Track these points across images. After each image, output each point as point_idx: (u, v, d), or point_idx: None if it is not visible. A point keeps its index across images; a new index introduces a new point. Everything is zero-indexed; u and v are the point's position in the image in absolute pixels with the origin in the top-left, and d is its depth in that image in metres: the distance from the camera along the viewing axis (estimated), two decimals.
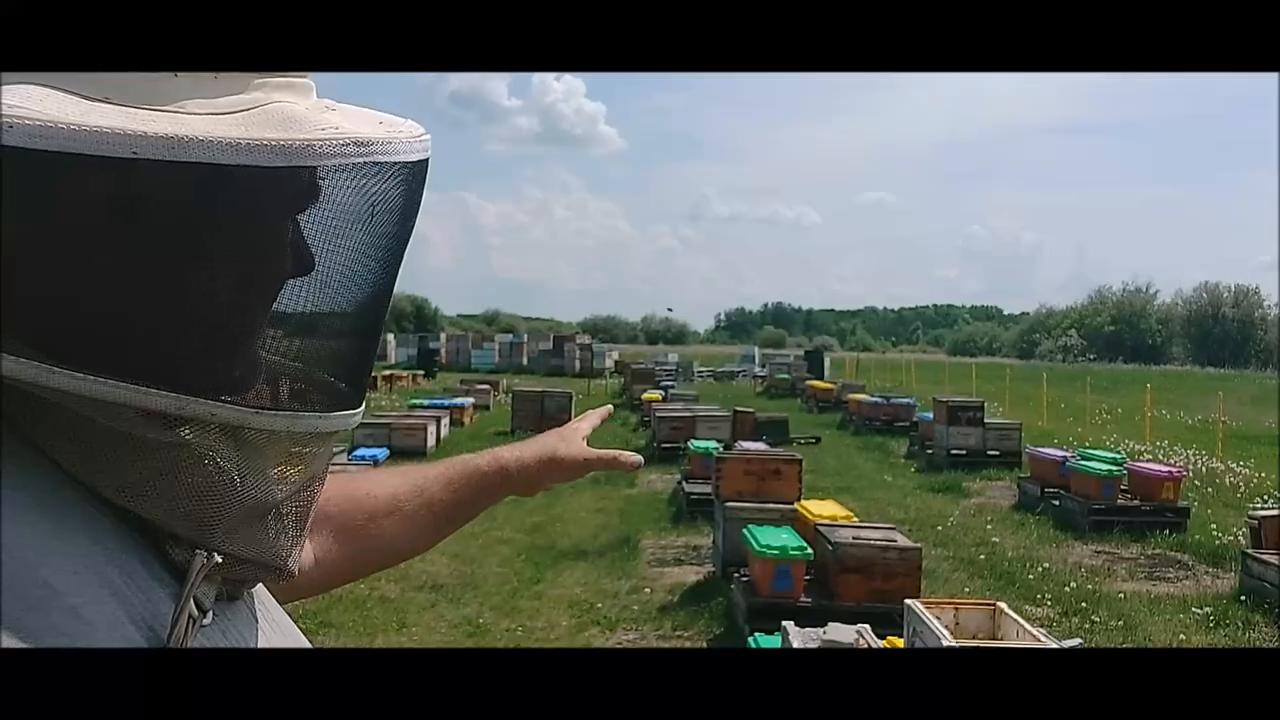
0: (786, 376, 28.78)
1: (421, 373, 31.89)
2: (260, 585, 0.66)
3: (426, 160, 0.59)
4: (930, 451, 13.78)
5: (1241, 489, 11.98)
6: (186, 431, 0.53)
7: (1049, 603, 6.98)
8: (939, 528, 9.38)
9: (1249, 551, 7.36)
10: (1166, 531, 9.11)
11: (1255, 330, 75.30)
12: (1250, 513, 8.21)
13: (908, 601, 4.42)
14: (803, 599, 5.77)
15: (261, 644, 0.62)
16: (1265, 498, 10.86)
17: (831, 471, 12.81)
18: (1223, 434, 15.97)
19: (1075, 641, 5.20)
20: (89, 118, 0.47)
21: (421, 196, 0.60)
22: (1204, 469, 13.53)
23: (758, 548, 5.84)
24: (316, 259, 0.56)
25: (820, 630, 4.29)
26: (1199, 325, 77.31)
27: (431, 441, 14.17)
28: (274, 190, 0.52)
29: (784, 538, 6.00)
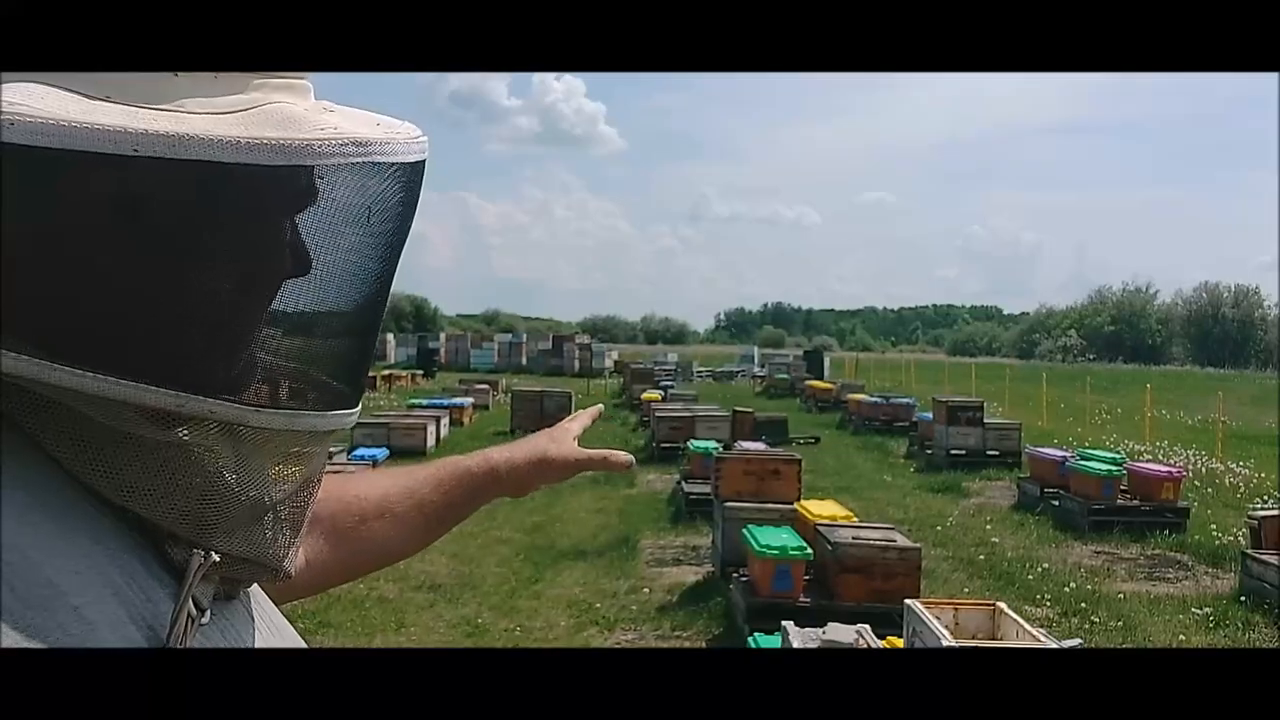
0: (786, 376, 28.78)
1: (421, 372, 31.90)
2: (256, 585, 0.66)
3: (424, 161, 0.60)
4: (930, 451, 13.78)
5: (1241, 489, 11.98)
6: (185, 431, 0.53)
7: (1048, 603, 6.98)
8: (938, 528, 9.38)
9: (1249, 552, 7.36)
10: (1166, 532, 9.11)
11: (1255, 330, 75.31)
12: (1250, 513, 8.21)
13: (907, 601, 4.42)
14: (802, 599, 5.76)
15: (258, 644, 0.62)
16: (1265, 498, 10.87)
17: (831, 471, 12.81)
18: (1222, 434, 15.98)
19: (1075, 641, 5.20)
20: (91, 115, 0.48)
21: (419, 197, 0.61)
22: (1204, 469, 13.53)
23: (757, 548, 5.84)
24: (314, 259, 0.57)
25: (820, 630, 4.29)
26: (1199, 325, 77.32)
27: (431, 441, 14.17)
28: (273, 189, 0.53)
29: (783, 538, 6.00)
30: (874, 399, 19.10)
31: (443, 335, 48.29)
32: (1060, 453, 10.90)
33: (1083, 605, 6.90)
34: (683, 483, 10.08)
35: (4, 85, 0.47)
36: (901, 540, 6.00)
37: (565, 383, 25.51)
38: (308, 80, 0.58)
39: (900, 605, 4.55)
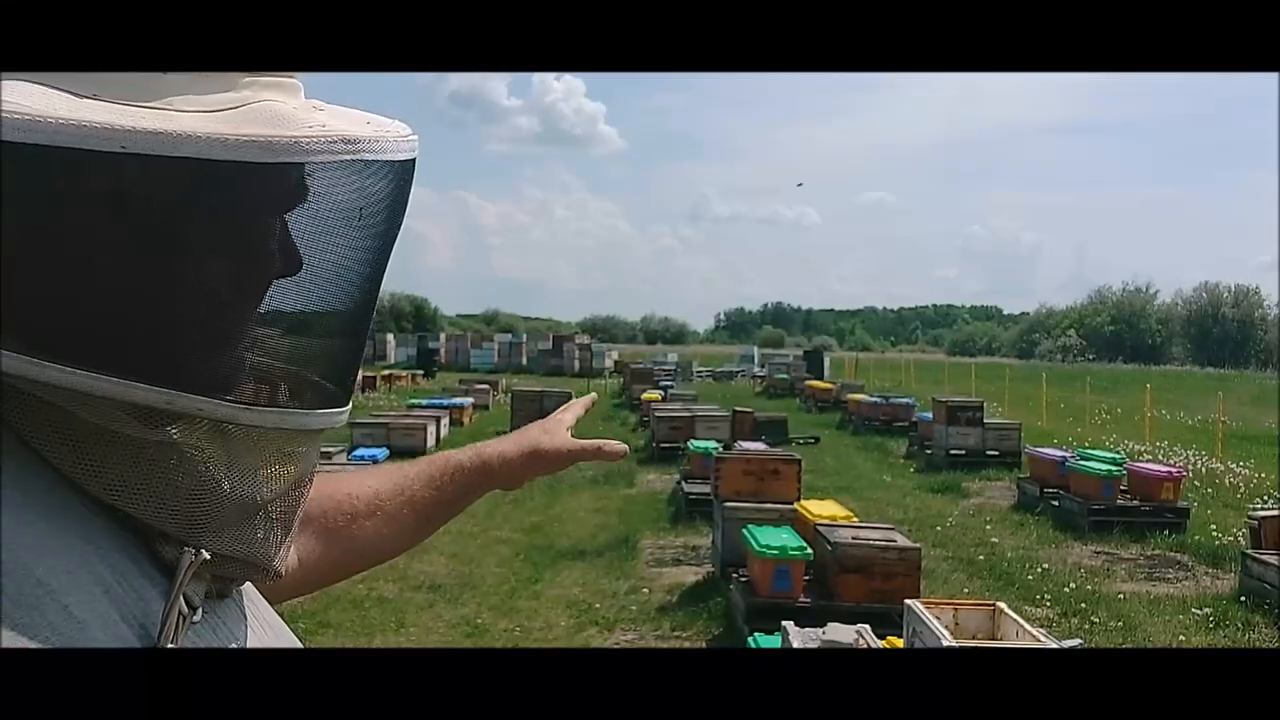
0: (786, 376, 28.79)
1: (421, 373, 31.92)
2: (250, 584, 0.66)
3: (414, 160, 0.60)
4: (929, 451, 13.78)
5: (1241, 489, 11.99)
6: (175, 429, 0.53)
7: (1048, 603, 6.98)
8: (938, 528, 9.38)
9: (1249, 552, 7.36)
10: (1166, 532, 9.11)
11: (1255, 330, 75.35)
12: (1250, 513, 8.21)
13: (907, 602, 4.42)
14: (802, 599, 5.77)
15: (252, 642, 0.62)
16: (1265, 498, 10.87)
17: (831, 471, 12.81)
18: (1222, 434, 15.99)
19: (1075, 642, 5.20)
20: (77, 113, 0.48)
21: (408, 196, 0.61)
22: (1204, 469, 13.54)
23: (757, 548, 5.84)
24: (304, 258, 0.57)
25: (820, 630, 4.29)
26: (1199, 325, 77.36)
27: (431, 441, 14.17)
28: (262, 187, 0.53)
29: (783, 538, 6.00)
30: (874, 399, 19.10)
31: (443, 335, 48.29)
32: (1060, 453, 10.91)
33: (1083, 605, 6.90)
34: (683, 483, 10.08)
35: None
36: (901, 540, 6.00)
37: (565, 383, 25.52)
38: (297, 80, 0.58)
39: (900, 605, 4.55)
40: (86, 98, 0.49)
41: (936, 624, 4.02)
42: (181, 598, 0.53)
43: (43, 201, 0.48)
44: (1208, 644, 6.19)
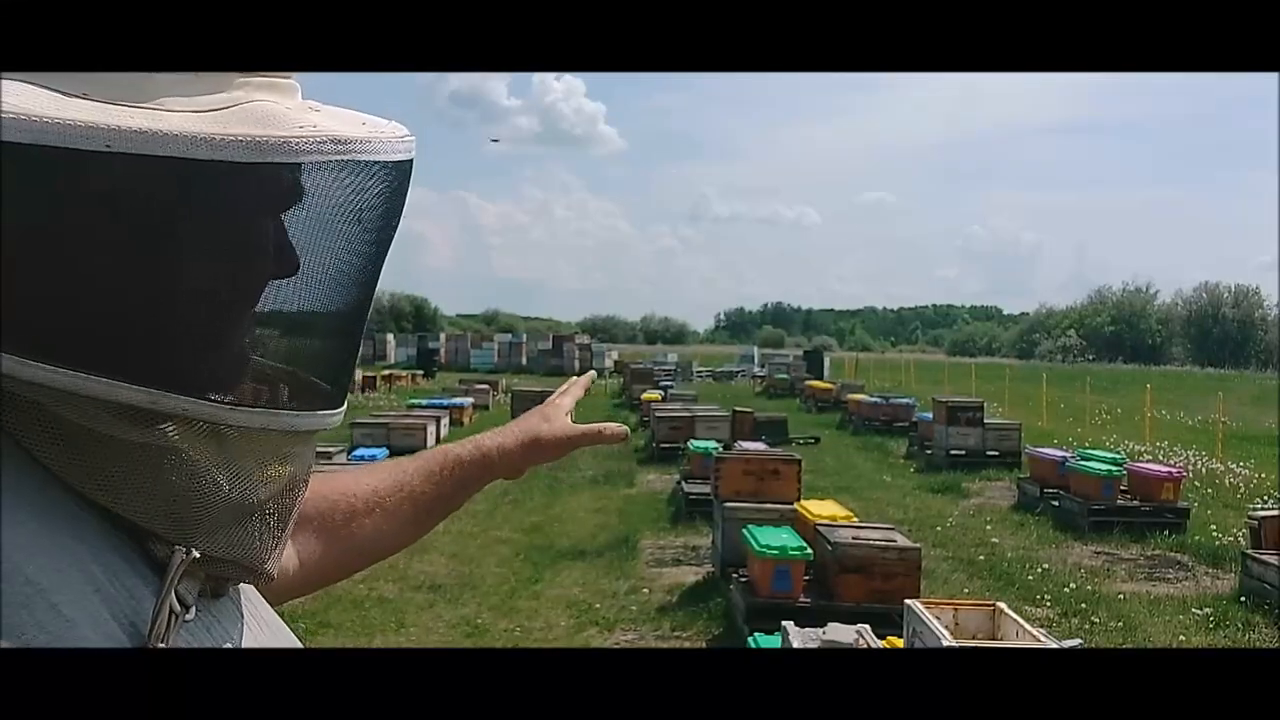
0: (786, 376, 28.79)
1: (421, 372, 31.93)
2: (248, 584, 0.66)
3: (409, 161, 0.59)
4: (930, 452, 13.78)
5: (1241, 490, 11.99)
6: (164, 430, 0.53)
7: (1048, 603, 6.98)
8: (938, 528, 9.38)
9: (1249, 552, 7.36)
10: (1166, 532, 9.11)
11: (1255, 330, 75.34)
12: (1250, 513, 8.21)
13: (907, 602, 4.42)
14: (802, 599, 5.76)
15: (248, 641, 0.62)
16: (1265, 498, 10.86)
17: (831, 471, 12.81)
18: (1222, 434, 15.98)
19: (1075, 642, 5.20)
20: (63, 112, 0.47)
21: (405, 198, 0.60)
22: (1204, 470, 13.54)
23: (757, 548, 5.84)
24: (300, 259, 0.56)
25: (820, 630, 4.29)
26: (1199, 325, 77.35)
27: (431, 441, 14.17)
28: (250, 187, 0.52)
29: (783, 538, 6.00)
30: (874, 399, 19.10)
31: (443, 335, 48.30)
32: (1060, 453, 10.91)
33: (1083, 605, 6.90)
34: (683, 483, 10.08)
35: None
36: (901, 540, 6.00)
37: (565, 382, 25.45)
38: (294, 80, 0.58)
39: (900, 605, 4.55)
40: (76, 97, 0.49)
41: (936, 624, 4.02)
42: (174, 597, 0.53)
43: (27, 201, 0.48)
44: (1208, 644, 6.19)
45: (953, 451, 13.18)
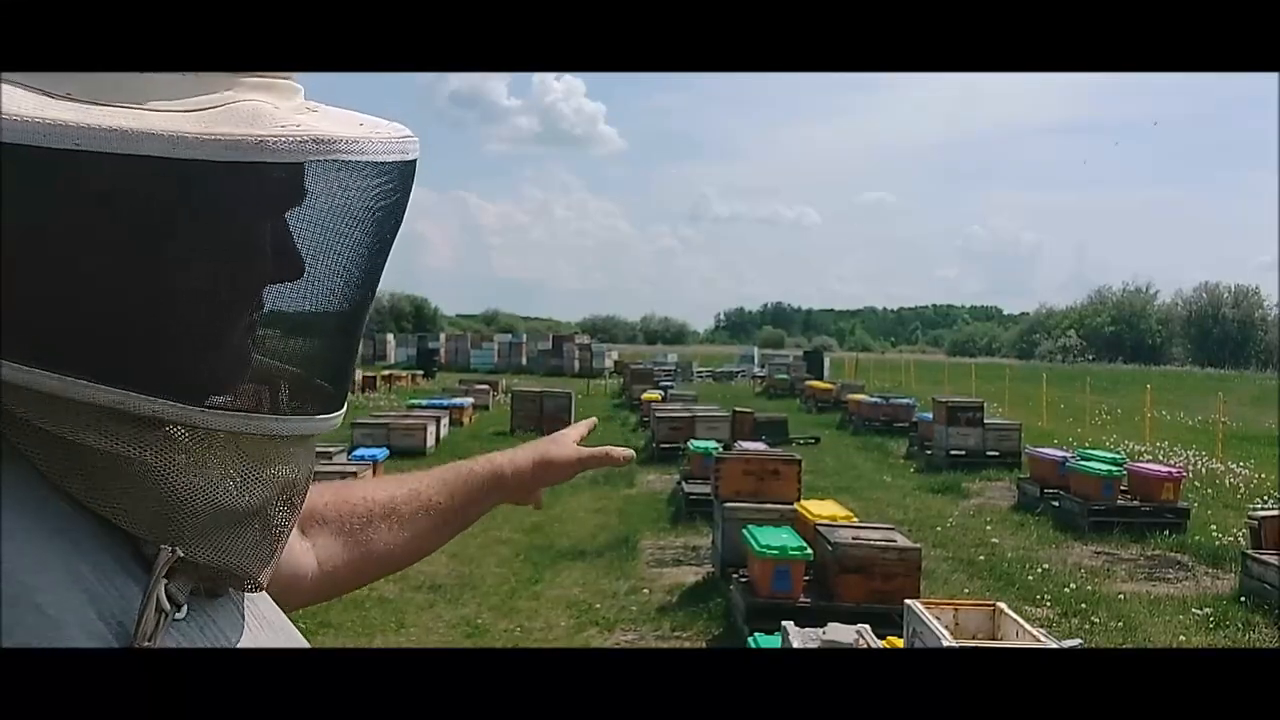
0: (786, 377, 28.78)
1: (420, 373, 31.92)
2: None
3: (409, 162, 0.58)
4: (930, 452, 13.78)
5: (1241, 490, 11.98)
6: (142, 432, 0.52)
7: (1049, 603, 6.98)
8: (938, 528, 9.38)
9: (1249, 552, 7.35)
10: (1166, 532, 9.11)
11: (1255, 330, 75.36)
12: (1250, 513, 8.20)
13: (907, 602, 4.42)
14: (802, 599, 5.76)
15: (246, 642, 0.61)
16: (1265, 498, 10.86)
17: (831, 471, 12.81)
18: (1222, 435, 15.98)
19: (1075, 642, 5.20)
20: (40, 111, 0.47)
21: (405, 199, 0.59)
22: (1204, 470, 13.53)
23: (757, 548, 5.84)
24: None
25: (820, 630, 4.29)
26: (1199, 325, 77.36)
27: (431, 441, 14.18)
28: (232, 187, 0.51)
29: (783, 538, 5.99)
30: (874, 399, 19.10)
31: (443, 335, 48.31)
32: (1060, 453, 10.90)
33: (1083, 606, 6.90)
34: (683, 483, 10.08)
35: None
36: (901, 540, 6.00)
37: (565, 383, 25.50)
38: (294, 81, 0.57)
39: (900, 605, 4.55)
40: (59, 96, 0.49)
41: (936, 624, 4.02)
42: (163, 595, 0.52)
43: None
44: (1208, 644, 6.19)
45: (953, 451, 13.18)
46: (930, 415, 14.32)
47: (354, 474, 9.00)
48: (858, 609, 5.38)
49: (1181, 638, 6.32)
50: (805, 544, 5.89)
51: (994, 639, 4.27)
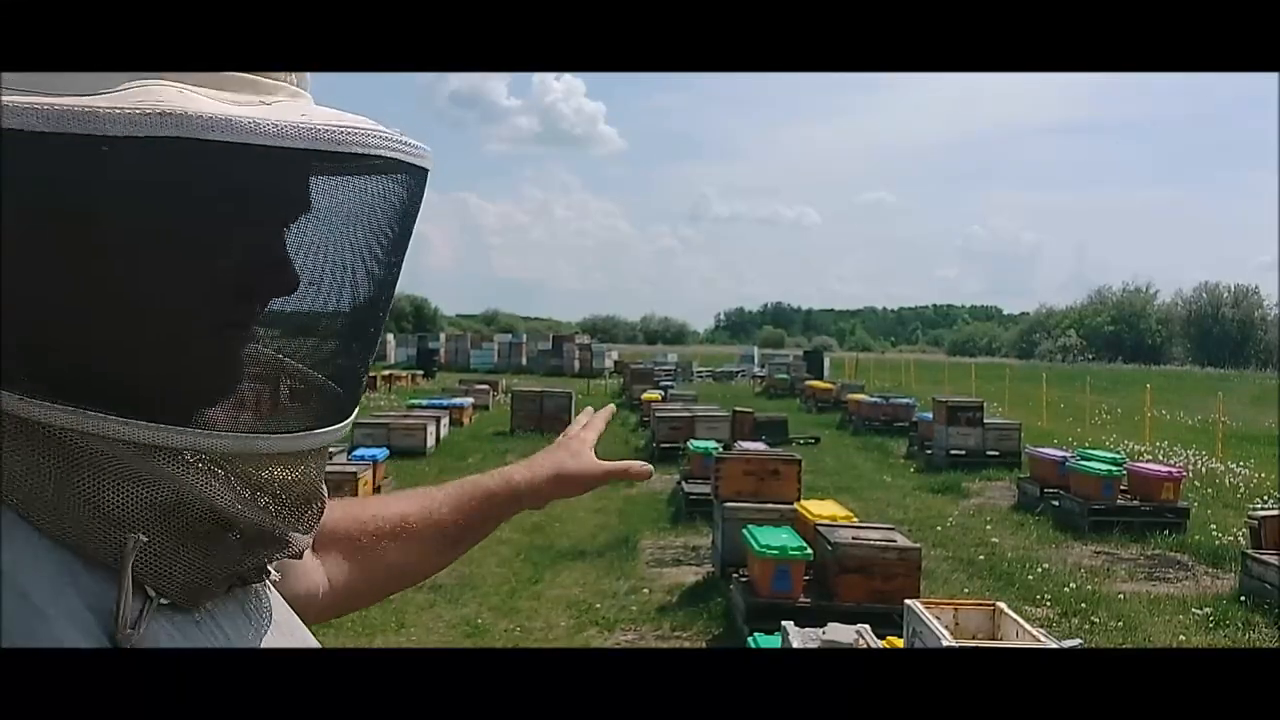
0: (786, 376, 28.77)
1: (421, 373, 31.91)
2: (267, 581, 0.64)
3: (305, 150, 0.50)
4: (930, 452, 13.78)
5: (1241, 489, 11.98)
6: (87, 447, 0.50)
7: (1049, 603, 6.98)
8: (938, 528, 9.37)
9: (1249, 552, 7.35)
10: (1166, 532, 9.10)
11: (1255, 330, 75.40)
12: (1250, 513, 8.21)
13: (907, 602, 4.42)
14: (802, 599, 5.76)
15: (249, 639, 0.60)
16: (1265, 498, 10.86)
17: (831, 471, 12.81)
18: (1222, 434, 15.98)
19: (1075, 641, 5.20)
20: None
21: (296, 189, 0.53)
22: (1204, 469, 13.53)
23: (757, 548, 5.84)
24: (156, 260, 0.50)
25: (820, 630, 4.29)
26: (1199, 325, 77.40)
27: (431, 441, 14.16)
28: (98, 171, 0.46)
29: (783, 538, 5.99)
30: (874, 399, 19.10)
31: (443, 335, 48.30)
32: (1060, 453, 10.90)
33: (1083, 605, 6.90)
34: (683, 483, 10.07)
35: None
36: (901, 540, 6.00)
37: (565, 383, 25.49)
38: (285, 79, 0.54)
39: (900, 605, 4.55)
40: None
41: (936, 624, 4.02)
42: (144, 586, 0.51)
43: None
44: (1208, 644, 6.19)
45: (953, 451, 13.18)
46: (930, 415, 14.31)
47: (354, 474, 9.01)
48: (858, 609, 5.37)
49: (1181, 638, 6.32)
50: (805, 544, 5.88)
51: (994, 639, 4.27)
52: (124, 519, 0.51)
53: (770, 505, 6.85)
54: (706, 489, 8.15)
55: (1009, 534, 9.37)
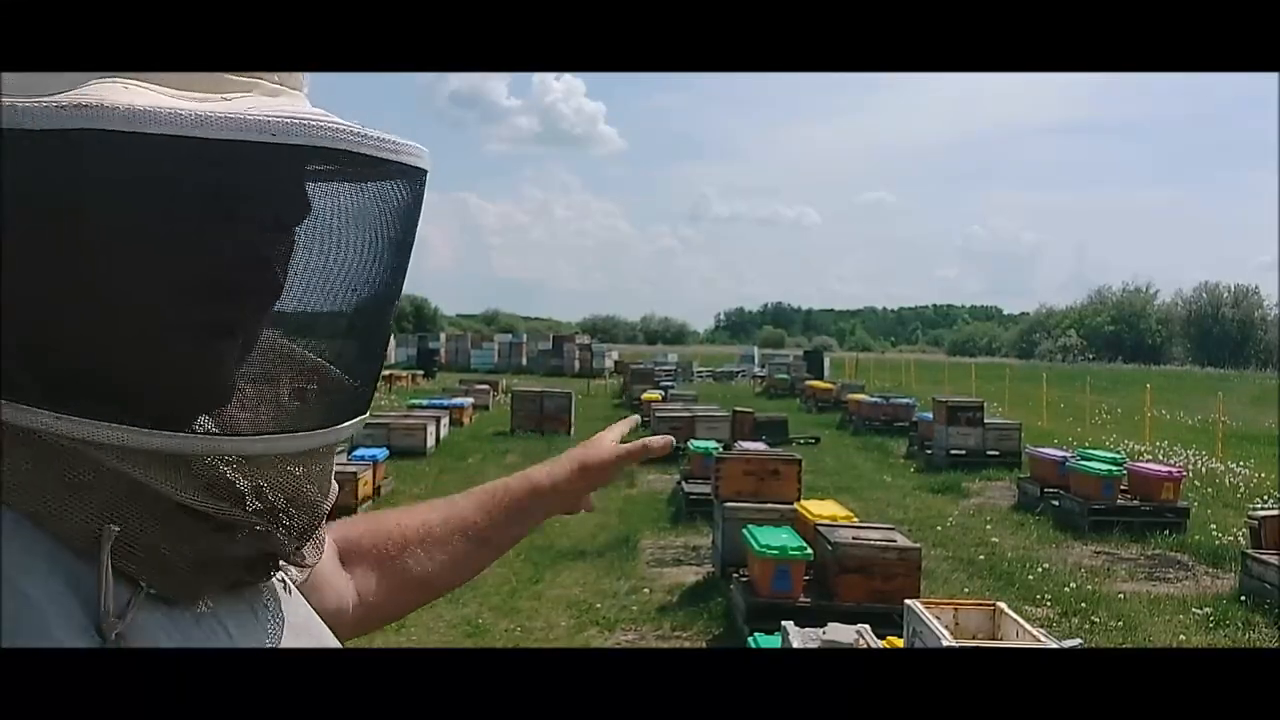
0: (786, 376, 28.76)
1: (421, 373, 31.90)
2: (280, 578, 0.64)
3: (255, 143, 0.48)
4: (930, 451, 13.77)
5: (1241, 489, 11.98)
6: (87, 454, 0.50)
7: (1049, 603, 6.98)
8: (938, 528, 9.37)
9: (1249, 552, 7.35)
10: (1166, 532, 9.10)
11: (1255, 330, 75.42)
12: (1250, 513, 8.21)
13: (907, 602, 4.42)
14: (802, 599, 5.76)
15: (254, 638, 0.59)
16: (1265, 498, 10.86)
17: (831, 471, 12.81)
18: (1222, 434, 15.97)
19: (1075, 641, 5.20)
20: None
21: (254, 185, 0.50)
22: (1204, 469, 13.53)
23: (757, 548, 5.84)
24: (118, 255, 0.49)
25: (820, 630, 4.29)
26: (1199, 325, 77.43)
27: (431, 441, 14.16)
28: (30, 166, 0.46)
29: (783, 538, 5.99)
30: (874, 399, 19.09)
31: (443, 335, 48.24)
32: (1060, 453, 10.89)
33: (1083, 605, 6.90)
34: (683, 483, 10.07)
35: None
36: (901, 540, 6.00)
37: (565, 383, 25.48)
38: (267, 78, 0.53)
39: (900, 605, 4.55)
40: None
41: (936, 624, 4.02)
42: (141, 579, 0.51)
43: None
44: (1208, 644, 6.19)
45: (953, 451, 13.18)
46: (930, 415, 14.30)
47: (354, 474, 9.01)
48: (858, 609, 5.37)
49: (1181, 637, 6.32)
50: (805, 544, 5.88)
51: (994, 639, 4.27)
52: (96, 512, 0.50)
53: (770, 505, 6.85)
54: (707, 489, 8.15)
55: (1009, 534, 9.37)
